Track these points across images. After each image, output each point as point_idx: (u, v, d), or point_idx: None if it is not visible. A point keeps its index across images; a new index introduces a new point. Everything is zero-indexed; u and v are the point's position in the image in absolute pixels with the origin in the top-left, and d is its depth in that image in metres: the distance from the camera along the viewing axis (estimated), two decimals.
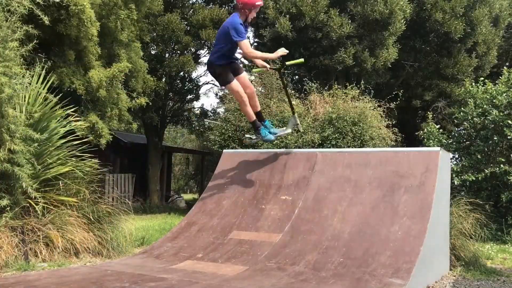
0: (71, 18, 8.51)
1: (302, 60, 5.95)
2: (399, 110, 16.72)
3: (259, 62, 5.93)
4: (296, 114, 6.23)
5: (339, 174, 5.73)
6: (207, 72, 45.13)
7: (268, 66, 5.92)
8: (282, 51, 5.60)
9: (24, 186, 5.33)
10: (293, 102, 12.84)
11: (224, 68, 5.67)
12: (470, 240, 6.25)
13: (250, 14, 5.54)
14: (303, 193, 5.71)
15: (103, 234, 6.03)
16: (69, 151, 6.28)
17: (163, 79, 16.77)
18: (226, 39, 5.49)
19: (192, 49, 17.03)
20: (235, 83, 5.71)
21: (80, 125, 7.17)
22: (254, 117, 5.92)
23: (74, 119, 6.61)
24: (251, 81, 14.01)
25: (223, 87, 6.06)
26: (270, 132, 6.03)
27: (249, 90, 5.86)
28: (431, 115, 11.63)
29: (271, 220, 5.58)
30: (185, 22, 15.46)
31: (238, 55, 5.81)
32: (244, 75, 5.91)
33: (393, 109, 13.42)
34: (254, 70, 5.95)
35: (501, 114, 9.34)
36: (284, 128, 6.22)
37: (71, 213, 5.81)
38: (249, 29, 17.74)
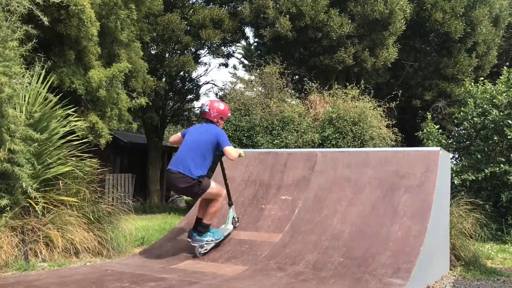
0: (71, 18, 8.49)
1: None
2: (399, 110, 16.73)
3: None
4: (233, 206, 5.70)
5: (339, 174, 5.73)
6: (207, 72, 44.72)
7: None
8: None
9: (24, 186, 5.33)
10: (293, 102, 12.94)
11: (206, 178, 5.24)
12: (470, 240, 6.25)
13: (220, 124, 5.49)
14: (303, 193, 5.71)
15: (103, 234, 6.03)
16: (69, 151, 6.28)
17: (163, 79, 16.76)
18: (213, 150, 5.21)
19: (192, 49, 17.02)
20: (215, 183, 5.37)
21: (80, 125, 7.17)
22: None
23: (74, 119, 6.61)
24: (251, 81, 14.07)
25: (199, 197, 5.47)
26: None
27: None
28: (430, 115, 11.64)
29: (271, 220, 5.58)
30: (185, 22, 15.44)
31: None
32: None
33: (393, 109, 13.43)
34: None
35: (501, 114, 9.34)
36: (224, 226, 5.61)
37: (71, 213, 5.81)
38: (249, 29, 17.81)
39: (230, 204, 5.66)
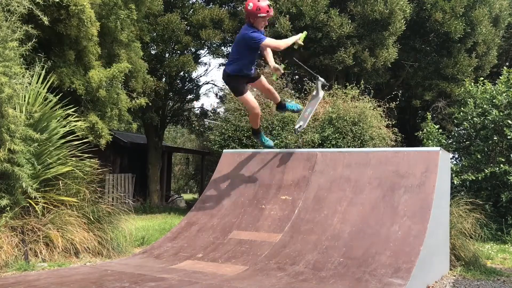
0: (71, 18, 8.50)
1: (304, 33, 5.69)
2: (399, 110, 16.74)
3: (272, 65, 5.74)
4: (318, 76, 6.06)
5: (339, 174, 5.73)
6: (207, 72, 45.00)
7: (281, 69, 5.73)
8: (299, 36, 5.58)
9: (24, 186, 5.34)
10: (293, 102, 12.92)
11: (239, 80, 5.56)
12: (470, 240, 6.25)
13: (255, 22, 5.28)
14: (303, 193, 5.71)
15: (103, 234, 6.03)
16: (69, 151, 6.28)
17: (163, 79, 16.77)
18: (243, 51, 5.38)
19: (192, 49, 17.03)
20: (248, 95, 5.64)
21: (80, 125, 7.17)
22: (258, 126, 6.07)
23: (74, 119, 6.61)
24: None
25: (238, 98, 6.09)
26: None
27: (269, 89, 6.00)
28: (430, 115, 11.65)
29: (271, 220, 5.58)
30: (185, 22, 15.44)
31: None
32: (262, 78, 5.82)
33: (393, 109, 13.43)
34: (273, 78, 5.95)
35: (501, 114, 9.34)
36: (314, 94, 6.18)
37: (71, 213, 5.81)
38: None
39: (316, 78, 6.08)
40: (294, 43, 5.53)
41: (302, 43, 5.62)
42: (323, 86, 6.15)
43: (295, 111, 6.31)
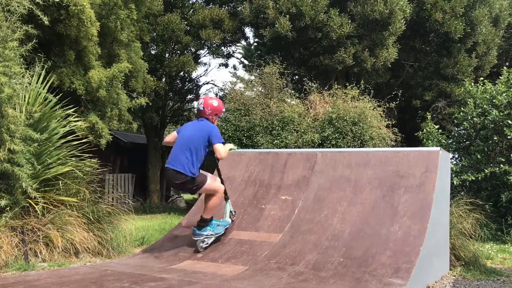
0: (71, 18, 8.50)
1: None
2: (399, 110, 16.73)
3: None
4: (229, 200, 5.73)
5: (339, 174, 5.73)
6: (207, 72, 44.61)
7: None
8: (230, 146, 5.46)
9: (24, 186, 5.34)
10: (293, 102, 12.94)
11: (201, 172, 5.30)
12: (470, 240, 6.25)
13: (215, 120, 5.50)
14: (303, 193, 5.71)
15: (103, 234, 6.03)
16: (69, 151, 6.28)
17: (163, 79, 16.76)
18: (203, 145, 5.22)
19: (192, 49, 17.03)
20: (211, 178, 5.39)
21: (80, 125, 7.17)
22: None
23: (74, 119, 6.61)
24: (251, 81, 14.09)
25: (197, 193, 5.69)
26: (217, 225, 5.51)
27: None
28: (430, 116, 11.64)
29: (271, 220, 5.58)
30: (185, 22, 15.44)
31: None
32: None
33: (393, 109, 13.43)
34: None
35: (501, 114, 9.34)
36: (222, 220, 5.60)
37: (71, 213, 5.82)
38: (249, 29, 17.82)
39: (226, 199, 5.71)
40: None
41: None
42: (231, 215, 5.70)
43: (212, 235, 5.43)
